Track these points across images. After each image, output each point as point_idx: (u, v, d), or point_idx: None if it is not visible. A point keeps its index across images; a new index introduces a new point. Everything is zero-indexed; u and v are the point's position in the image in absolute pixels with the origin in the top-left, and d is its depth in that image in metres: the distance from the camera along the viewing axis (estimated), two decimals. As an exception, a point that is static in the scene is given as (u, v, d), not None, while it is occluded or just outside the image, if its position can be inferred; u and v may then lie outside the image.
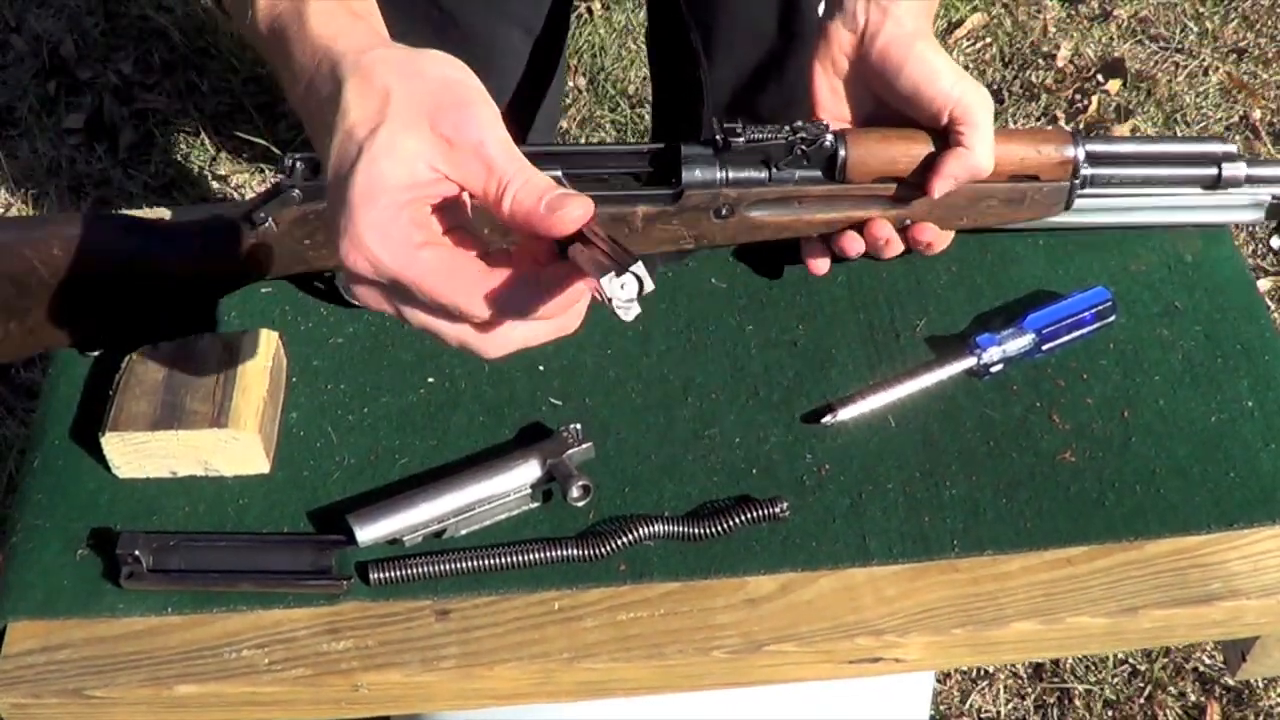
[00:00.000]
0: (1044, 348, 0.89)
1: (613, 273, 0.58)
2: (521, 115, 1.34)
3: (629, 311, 0.59)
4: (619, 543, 0.80)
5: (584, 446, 0.83)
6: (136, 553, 0.78)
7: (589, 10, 2.46)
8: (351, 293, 0.67)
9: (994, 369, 0.88)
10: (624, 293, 0.59)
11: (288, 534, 0.82)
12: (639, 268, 0.59)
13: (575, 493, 0.80)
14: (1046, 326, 0.89)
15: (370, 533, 0.79)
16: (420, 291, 0.63)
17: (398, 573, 0.79)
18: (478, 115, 0.64)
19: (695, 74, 1.35)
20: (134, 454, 0.83)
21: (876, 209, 0.88)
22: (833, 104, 0.91)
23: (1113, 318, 0.91)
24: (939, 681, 1.62)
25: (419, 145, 0.63)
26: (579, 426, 0.83)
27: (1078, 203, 0.90)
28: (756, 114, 1.38)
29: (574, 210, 0.62)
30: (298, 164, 0.84)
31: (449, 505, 0.80)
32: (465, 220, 0.66)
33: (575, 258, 0.62)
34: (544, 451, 0.82)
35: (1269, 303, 1.91)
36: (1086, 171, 0.89)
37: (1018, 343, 0.88)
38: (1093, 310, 0.90)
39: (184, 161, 2.25)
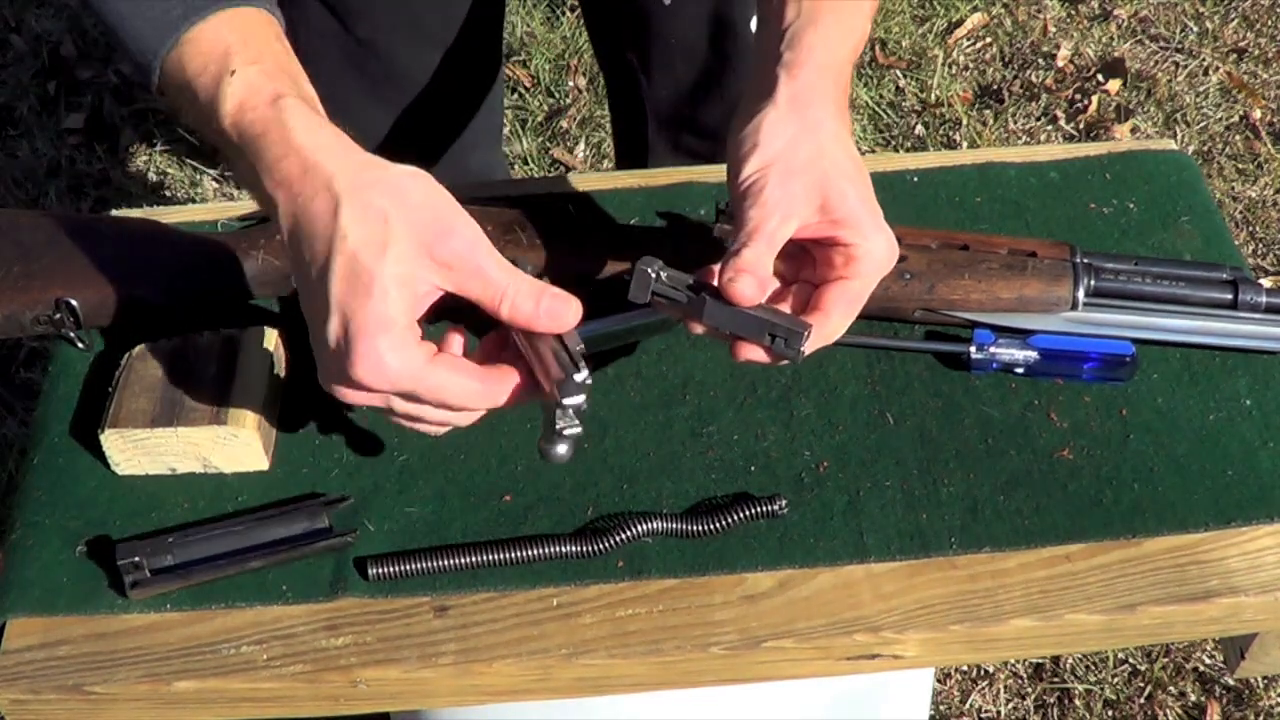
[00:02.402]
0: (1043, 365, 0.88)
1: (571, 386, 0.71)
2: (457, 133, 1.34)
3: (565, 444, 0.72)
4: (617, 539, 0.80)
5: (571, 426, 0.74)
6: (137, 559, 0.78)
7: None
8: (332, 392, 0.72)
9: (982, 361, 0.88)
10: (571, 401, 0.71)
11: (275, 508, 0.82)
12: (583, 397, 0.71)
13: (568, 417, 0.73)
14: (1050, 349, 0.88)
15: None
16: (433, 399, 0.71)
17: (396, 568, 0.79)
18: (467, 238, 0.71)
19: (637, 92, 1.37)
20: (133, 451, 0.83)
21: None
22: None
23: (1123, 377, 0.88)
24: (939, 681, 1.62)
25: (424, 274, 0.70)
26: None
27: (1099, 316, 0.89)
28: (699, 127, 1.39)
29: (567, 315, 0.73)
30: None
31: None
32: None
33: (539, 354, 0.73)
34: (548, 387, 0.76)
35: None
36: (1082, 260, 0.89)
37: (1016, 351, 0.88)
38: (1102, 356, 0.88)
39: (184, 161, 2.26)
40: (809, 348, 0.76)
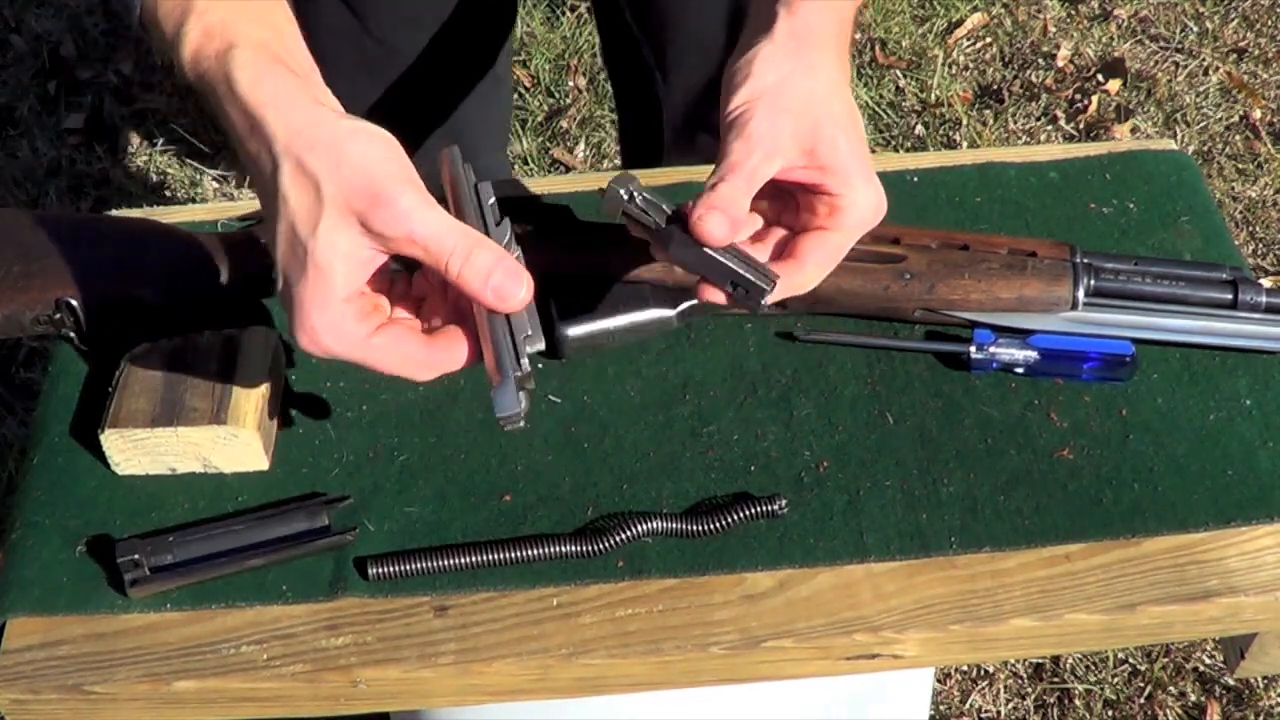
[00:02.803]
0: (1043, 365, 0.88)
1: (504, 395, 0.68)
2: (462, 125, 1.34)
3: (515, 418, 0.69)
4: (617, 539, 0.80)
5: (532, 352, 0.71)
6: (137, 557, 0.78)
7: (589, 10, 2.46)
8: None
9: (982, 361, 0.88)
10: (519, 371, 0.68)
11: (275, 508, 0.82)
12: (516, 409, 0.68)
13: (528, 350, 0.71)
14: (1050, 349, 0.88)
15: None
16: (374, 369, 0.71)
17: (396, 568, 0.79)
18: (400, 206, 0.67)
19: (651, 90, 1.35)
20: (133, 451, 0.83)
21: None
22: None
23: (1121, 378, 0.88)
24: (939, 681, 1.62)
25: (355, 248, 0.68)
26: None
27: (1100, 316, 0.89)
28: (713, 127, 1.38)
29: (517, 295, 0.69)
30: None
31: None
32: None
33: (487, 331, 0.70)
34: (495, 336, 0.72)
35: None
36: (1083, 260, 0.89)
37: (1016, 351, 0.88)
38: (1103, 355, 0.88)
39: (184, 161, 2.26)
40: (775, 297, 0.75)
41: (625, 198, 0.76)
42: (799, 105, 0.75)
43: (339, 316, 0.69)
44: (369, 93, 1.23)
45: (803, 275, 0.76)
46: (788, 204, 0.80)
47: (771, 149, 0.74)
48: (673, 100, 1.35)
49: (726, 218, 0.73)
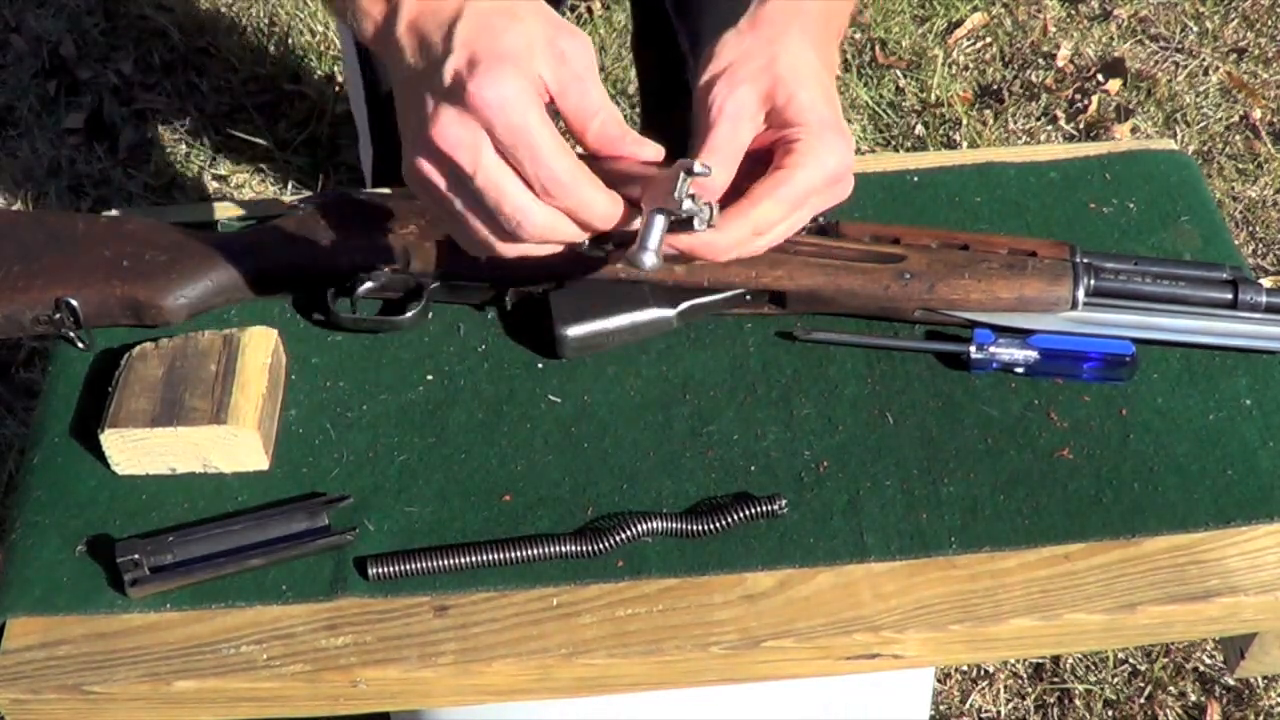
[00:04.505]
0: (1043, 365, 0.88)
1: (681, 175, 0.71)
2: None
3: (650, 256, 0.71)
4: (617, 539, 0.80)
5: (684, 211, 0.72)
6: (137, 557, 0.78)
7: (589, 10, 2.46)
8: (419, 157, 0.72)
9: (982, 360, 0.88)
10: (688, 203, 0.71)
11: (276, 507, 0.82)
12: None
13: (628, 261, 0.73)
14: (1050, 349, 0.88)
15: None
16: (529, 159, 0.70)
17: (396, 568, 0.79)
18: (584, 48, 0.72)
19: (683, 77, 1.35)
20: (133, 451, 0.83)
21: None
22: None
23: (1122, 378, 0.88)
24: (939, 681, 1.62)
25: (541, 57, 0.70)
26: (696, 167, 0.73)
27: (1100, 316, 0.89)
28: None
29: (650, 148, 0.74)
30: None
31: None
32: None
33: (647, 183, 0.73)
34: (647, 188, 0.74)
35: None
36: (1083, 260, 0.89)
37: (1016, 351, 0.88)
38: (1103, 355, 0.88)
39: (184, 161, 2.26)
40: (726, 227, 0.74)
41: None
42: (755, 73, 0.77)
43: (525, 72, 0.69)
44: None
45: (755, 208, 0.75)
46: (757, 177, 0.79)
47: (735, 118, 0.76)
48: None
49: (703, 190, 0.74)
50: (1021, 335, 0.89)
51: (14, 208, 2.17)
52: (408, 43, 0.72)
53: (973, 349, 0.88)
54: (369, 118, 1.29)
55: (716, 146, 0.76)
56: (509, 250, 0.75)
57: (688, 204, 0.71)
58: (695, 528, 0.81)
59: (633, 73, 2.34)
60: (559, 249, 0.76)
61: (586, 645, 0.77)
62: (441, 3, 0.71)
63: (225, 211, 1.02)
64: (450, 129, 0.70)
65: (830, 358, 0.91)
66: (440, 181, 0.73)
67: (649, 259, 0.71)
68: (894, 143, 2.29)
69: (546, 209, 0.72)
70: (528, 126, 0.69)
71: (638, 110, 2.29)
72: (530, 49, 0.70)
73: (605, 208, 0.73)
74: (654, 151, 0.74)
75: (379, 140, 1.29)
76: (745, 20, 0.81)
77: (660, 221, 0.72)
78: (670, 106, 1.41)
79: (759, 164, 0.78)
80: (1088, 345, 0.88)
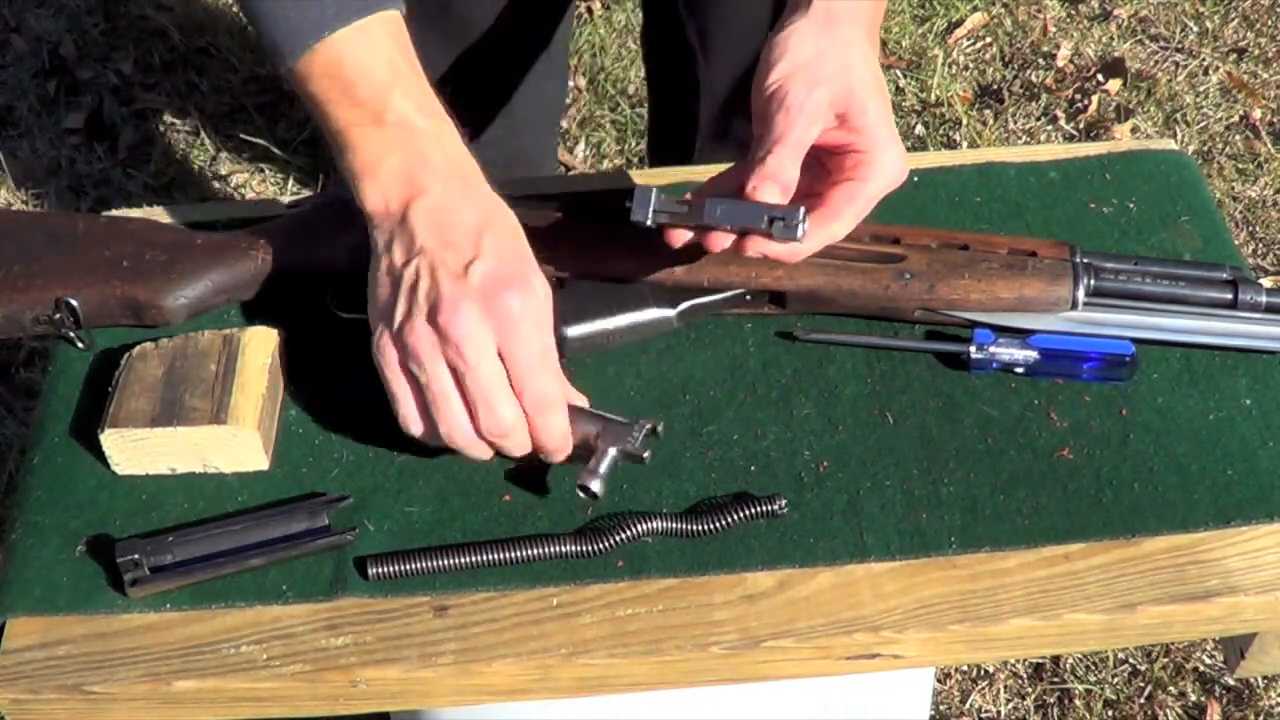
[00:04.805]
0: (1043, 365, 0.88)
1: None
2: (515, 106, 1.34)
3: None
4: (617, 539, 0.80)
5: (639, 455, 0.80)
6: (137, 557, 0.78)
7: (589, 10, 2.46)
8: (403, 336, 0.78)
9: (982, 360, 0.88)
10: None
11: (276, 507, 0.82)
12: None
13: (579, 490, 0.79)
14: (1050, 349, 0.88)
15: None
16: (525, 372, 0.77)
17: (396, 568, 0.79)
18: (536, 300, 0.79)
19: (692, 72, 1.35)
20: (133, 451, 0.83)
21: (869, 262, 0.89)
22: None
23: (1122, 378, 0.88)
24: (939, 681, 1.62)
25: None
26: (660, 428, 0.83)
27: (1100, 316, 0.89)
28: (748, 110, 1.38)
29: (561, 448, 0.81)
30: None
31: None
32: None
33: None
34: (604, 429, 0.81)
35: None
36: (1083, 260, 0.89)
37: (1015, 351, 0.88)
38: (1102, 355, 0.88)
39: (184, 161, 2.26)
40: (810, 237, 0.80)
41: (655, 194, 0.81)
42: (832, 76, 0.81)
43: (550, 349, 0.78)
44: (440, 60, 1.24)
45: (835, 222, 0.82)
46: (818, 175, 0.84)
47: (811, 117, 0.80)
48: (712, 83, 1.35)
49: (778, 185, 0.79)
50: (1021, 335, 0.89)
51: (14, 208, 2.16)
52: (423, 227, 0.79)
53: (972, 349, 0.88)
54: None
55: (791, 143, 0.80)
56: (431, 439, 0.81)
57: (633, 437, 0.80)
58: (695, 528, 0.81)
59: (632, 73, 2.34)
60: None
61: (586, 645, 0.77)
62: (463, 216, 0.79)
63: (225, 211, 1.02)
64: (415, 341, 0.77)
65: (830, 358, 0.91)
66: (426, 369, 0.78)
67: (597, 486, 0.78)
68: (894, 143, 2.29)
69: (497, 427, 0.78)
70: (559, 400, 0.79)
71: (638, 110, 2.29)
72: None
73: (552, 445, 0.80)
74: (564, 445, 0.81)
75: None
76: (817, 11, 0.83)
77: (614, 454, 0.79)
78: (678, 102, 1.41)
79: (813, 162, 0.83)
80: (1088, 345, 0.88)
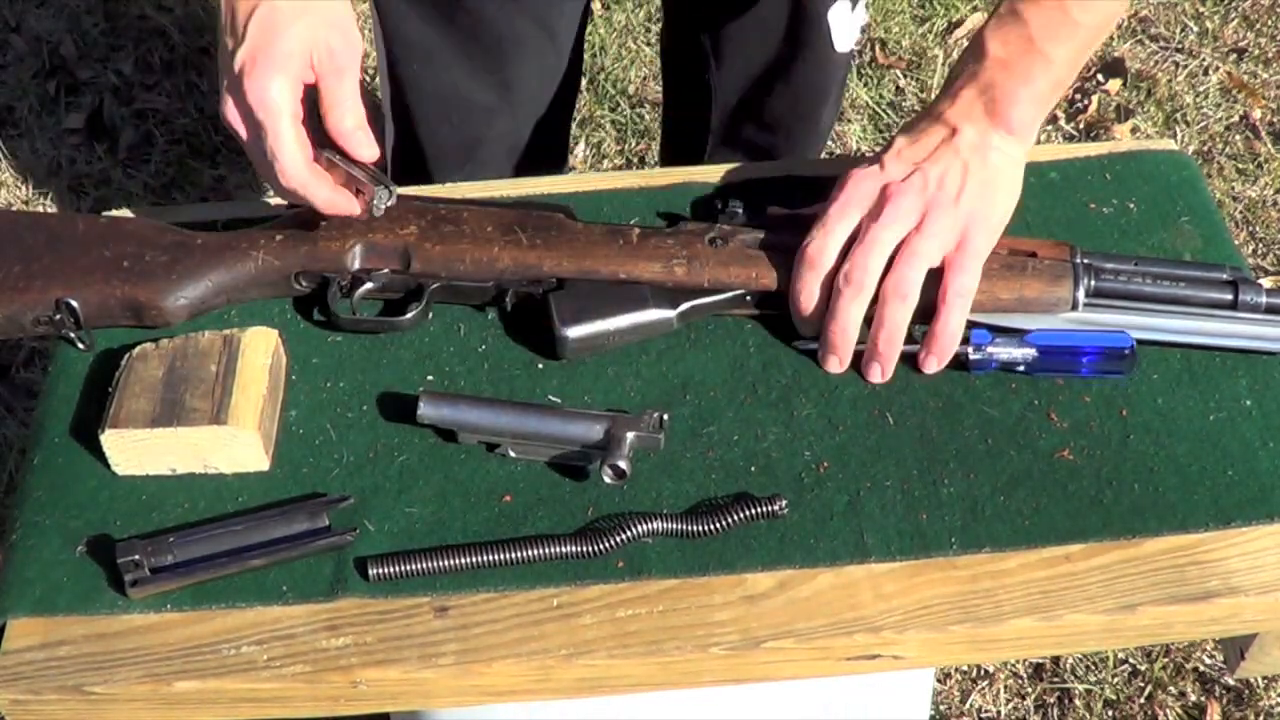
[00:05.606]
0: (1042, 362, 0.88)
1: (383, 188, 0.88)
2: (533, 110, 1.33)
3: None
4: (617, 540, 0.80)
5: (655, 436, 0.83)
6: (137, 557, 0.78)
7: (589, 10, 2.46)
8: (220, 113, 0.87)
9: (981, 360, 0.88)
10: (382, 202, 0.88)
11: (276, 507, 0.82)
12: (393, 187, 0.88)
13: (608, 471, 0.81)
14: (1048, 345, 0.88)
15: (431, 411, 0.84)
16: (271, 147, 0.85)
17: (397, 568, 0.79)
18: (349, 46, 0.86)
19: (704, 76, 1.35)
20: (133, 451, 0.83)
21: None
22: None
23: (1122, 370, 0.88)
24: (939, 681, 1.62)
25: (321, 40, 0.85)
26: (666, 418, 0.85)
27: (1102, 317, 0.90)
28: (763, 118, 1.38)
29: (368, 150, 0.88)
30: None
31: (511, 423, 0.84)
32: None
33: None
34: (616, 422, 0.83)
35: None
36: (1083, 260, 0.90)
37: (1014, 349, 0.88)
38: (1101, 350, 0.88)
39: (184, 161, 2.26)
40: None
41: None
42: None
43: (292, 79, 0.84)
44: (451, 57, 1.24)
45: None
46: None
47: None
48: (724, 89, 1.35)
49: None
50: (1019, 334, 0.89)
51: (14, 208, 2.16)
52: (224, 14, 0.87)
53: (971, 349, 0.88)
54: (391, 96, 1.29)
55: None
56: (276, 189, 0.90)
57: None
58: (695, 528, 0.81)
59: (632, 73, 2.34)
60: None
61: (587, 646, 0.77)
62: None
63: (225, 211, 1.02)
64: (229, 111, 0.86)
65: (830, 358, 0.90)
66: (238, 129, 0.88)
67: (625, 464, 0.81)
68: (894, 143, 2.29)
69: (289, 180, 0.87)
70: (278, 130, 0.85)
71: (638, 110, 2.29)
72: (302, 51, 0.85)
73: (324, 197, 0.88)
74: (370, 153, 0.88)
75: (398, 118, 1.30)
76: (990, 60, 0.88)
77: (632, 438, 0.82)
78: (690, 106, 1.41)
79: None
80: (1085, 339, 0.88)
